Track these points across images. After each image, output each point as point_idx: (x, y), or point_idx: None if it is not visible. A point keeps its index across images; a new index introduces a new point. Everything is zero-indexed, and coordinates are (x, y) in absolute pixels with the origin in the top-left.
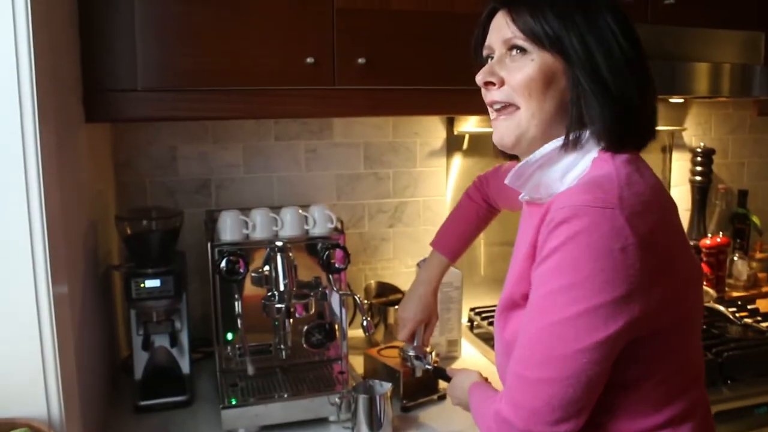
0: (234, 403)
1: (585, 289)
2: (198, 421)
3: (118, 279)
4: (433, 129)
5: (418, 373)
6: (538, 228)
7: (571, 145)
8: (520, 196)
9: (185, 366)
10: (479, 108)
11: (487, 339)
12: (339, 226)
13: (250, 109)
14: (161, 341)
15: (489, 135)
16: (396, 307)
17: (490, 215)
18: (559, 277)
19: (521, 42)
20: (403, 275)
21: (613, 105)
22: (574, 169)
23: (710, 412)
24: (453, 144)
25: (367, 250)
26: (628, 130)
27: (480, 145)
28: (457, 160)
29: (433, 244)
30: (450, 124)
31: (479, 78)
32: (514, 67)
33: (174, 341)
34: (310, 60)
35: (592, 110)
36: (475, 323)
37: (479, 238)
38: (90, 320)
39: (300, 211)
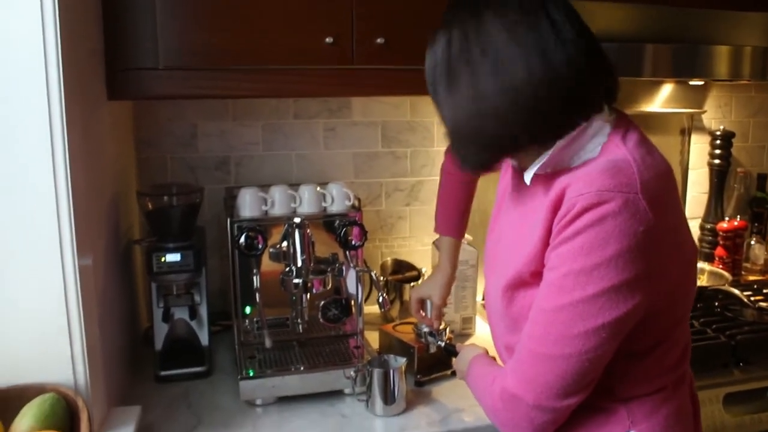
0: (252, 374)
1: (609, 269)
2: (217, 391)
3: (139, 253)
4: None
5: (432, 350)
6: (551, 209)
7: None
8: (526, 179)
9: (204, 338)
10: None
11: None
12: (356, 203)
13: (269, 88)
14: (181, 314)
15: None
16: (412, 284)
17: (473, 181)
18: (583, 257)
19: None
20: (419, 253)
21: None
22: (582, 151)
23: (693, 381)
24: None
25: (383, 228)
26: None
27: None
28: None
29: (436, 230)
30: None
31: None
32: None
33: (193, 314)
34: (329, 39)
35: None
36: None
37: None
38: (112, 292)
39: (318, 188)
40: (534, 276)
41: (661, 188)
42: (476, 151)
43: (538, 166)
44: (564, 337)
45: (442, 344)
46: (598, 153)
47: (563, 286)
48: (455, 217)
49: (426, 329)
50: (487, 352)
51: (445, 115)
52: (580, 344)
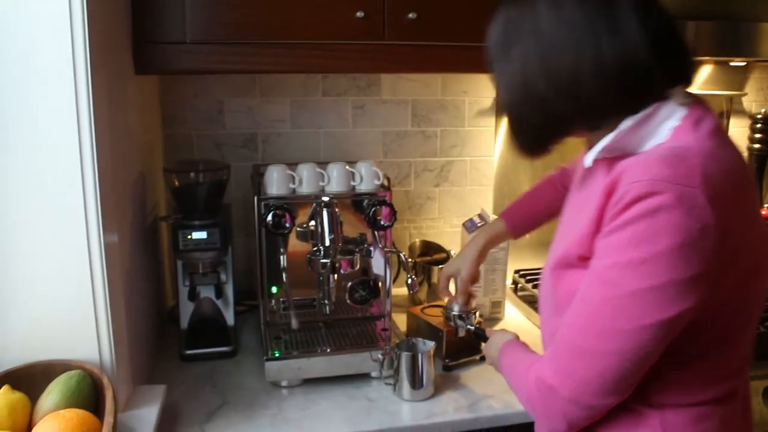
0: (277, 355)
1: (658, 266)
2: (242, 371)
3: (165, 230)
4: (482, 87)
5: (461, 333)
6: (606, 193)
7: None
8: (586, 162)
9: (230, 317)
10: None
11: (531, 301)
12: (386, 183)
13: (298, 63)
14: (207, 293)
15: None
16: (441, 266)
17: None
18: (631, 250)
19: None
20: (447, 234)
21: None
22: (650, 135)
23: (749, 399)
24: None
25: (412, 209)
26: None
27: None
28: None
29: (501, 213)
30: None
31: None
32: None
33: (219, 293)
34: (360, 14)
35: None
36: (520, 285)
37: None
38: (138, 270)
39: (347, 167)
40: (581, 260)
41: (727, 185)
42: (525, 132)
43: (599, 149)
44: (605, 332)
45: (472, 328)
46: (667, 138)
47: (609, 278)
48: (527, 215)
49: (455, 312)
50: (518, 338)
51: (499, 97)
52: (620, 342)
